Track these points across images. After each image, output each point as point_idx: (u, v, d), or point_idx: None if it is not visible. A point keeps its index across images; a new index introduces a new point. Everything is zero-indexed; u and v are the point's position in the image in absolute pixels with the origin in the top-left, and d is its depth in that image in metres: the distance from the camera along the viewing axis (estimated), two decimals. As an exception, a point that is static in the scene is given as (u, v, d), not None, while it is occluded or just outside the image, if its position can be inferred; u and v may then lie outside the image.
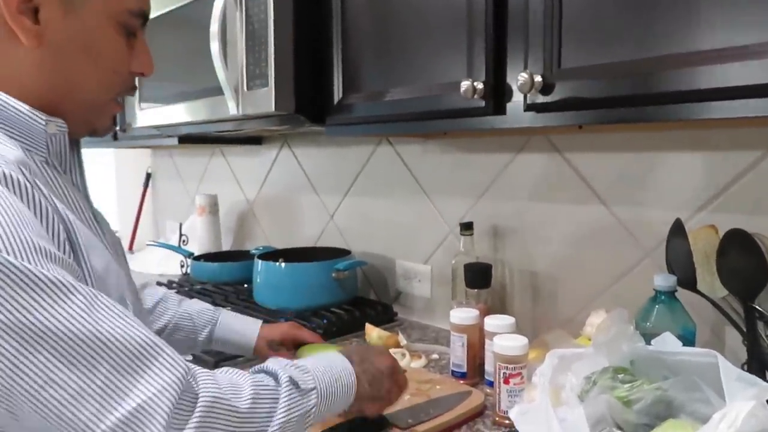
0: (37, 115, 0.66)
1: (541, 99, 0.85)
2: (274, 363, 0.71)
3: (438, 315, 1.49)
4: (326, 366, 0.74)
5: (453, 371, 1.13)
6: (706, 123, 0.97)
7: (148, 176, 2.62)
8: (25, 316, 0.52)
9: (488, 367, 1.08)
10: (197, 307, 1.10)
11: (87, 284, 0.61)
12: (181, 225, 2.17)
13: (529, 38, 0.87)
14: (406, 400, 0.99)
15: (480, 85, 0.91)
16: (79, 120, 0.72)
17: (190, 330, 1.07)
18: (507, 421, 0.91)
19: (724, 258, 0.86)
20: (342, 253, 1.61)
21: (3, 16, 0.63)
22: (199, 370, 0.61)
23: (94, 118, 0.74)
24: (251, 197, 2.11)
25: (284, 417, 0.65)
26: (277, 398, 0.65)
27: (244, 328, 1.10)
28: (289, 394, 0.66)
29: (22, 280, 0.52)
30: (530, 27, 0.87)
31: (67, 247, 0.62)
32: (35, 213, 0.59)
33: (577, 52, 0.82)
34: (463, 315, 1.11)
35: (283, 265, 1.52)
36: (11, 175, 0.58)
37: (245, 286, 1.75)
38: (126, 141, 2.00)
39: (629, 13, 0.77)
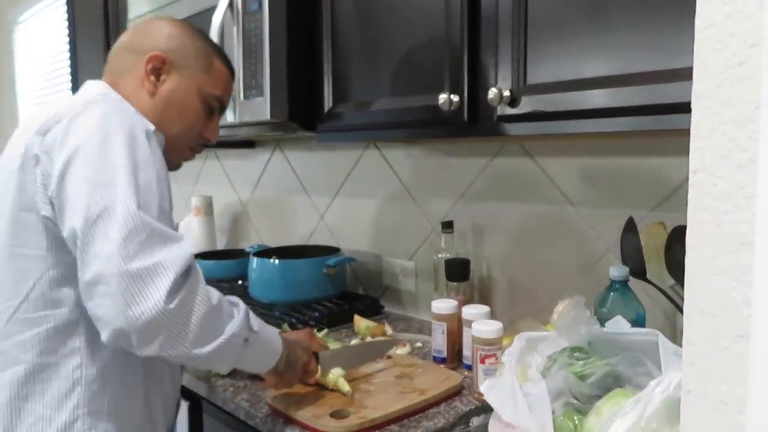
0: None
1: (509, 111, 0.96)
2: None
3: (422, 307, 1.60)
4: (268, 332, 0.96)
5: (434, 357, 1.24)
6: (658, 132, 1.08)
7: (143, 178, 2.70)
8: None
9: (466, 351, 1.18)
10: None
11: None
12: (177, 225, 2.26)
13: (499, 57, 0.98)
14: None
15: (456, 98, 1.02)
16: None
17: None
18: (484, 398, 1.01)
19: (671, 251, 0.97)
20: (332, 250, 1.69)
21: (141, 72, 0.99)
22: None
23: (171, 154, 1.01)
24: (245, 198, 2.20)
25: (237, 329, 0.87)
26: (235, 315, 0.88)
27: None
28: (243, 318, 0.89)
29: None
30: (500, 47, 0.98)
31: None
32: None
33: (540, 70, 0.93)
34: (443, 305, 1.22)
35: (277, 261, 1.62)
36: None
37: (240, 282, 1.84)
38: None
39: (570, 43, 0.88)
